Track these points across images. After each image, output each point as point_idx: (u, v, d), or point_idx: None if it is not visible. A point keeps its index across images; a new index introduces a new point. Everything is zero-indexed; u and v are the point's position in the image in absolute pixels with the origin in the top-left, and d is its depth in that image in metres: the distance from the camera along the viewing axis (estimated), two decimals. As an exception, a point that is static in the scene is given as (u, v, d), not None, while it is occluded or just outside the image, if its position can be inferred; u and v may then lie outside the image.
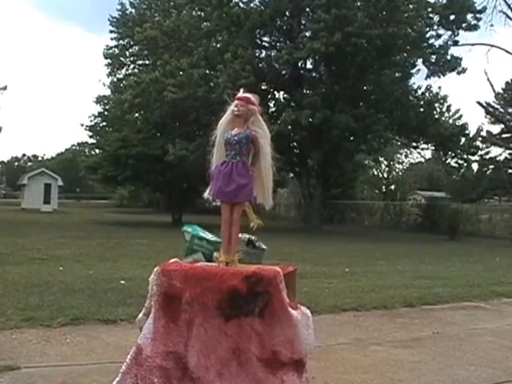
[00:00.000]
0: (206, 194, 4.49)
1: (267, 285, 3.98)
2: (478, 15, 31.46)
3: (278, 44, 33.70)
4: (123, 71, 51.12)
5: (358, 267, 13.82)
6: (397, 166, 58.87)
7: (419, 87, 33.75)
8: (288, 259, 14.46)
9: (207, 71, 30.23)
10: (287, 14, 32.38)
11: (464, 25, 31.42)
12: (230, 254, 4.27)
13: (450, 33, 32.03)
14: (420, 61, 32.09)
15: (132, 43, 46.25)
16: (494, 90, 42.82)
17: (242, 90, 4.51)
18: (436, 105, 33.58)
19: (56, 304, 7.57)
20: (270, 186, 4.47)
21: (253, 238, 4.76)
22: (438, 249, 22.41)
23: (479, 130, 41.84)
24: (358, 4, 30.17)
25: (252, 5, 32.31)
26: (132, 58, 49.20)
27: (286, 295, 4.06)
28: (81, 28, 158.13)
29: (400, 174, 58.40)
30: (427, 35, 31.46)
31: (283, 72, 32.79)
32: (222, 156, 4.41)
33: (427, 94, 33.43)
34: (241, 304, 3.97)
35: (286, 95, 34.40)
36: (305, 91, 32.09)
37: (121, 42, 49.63)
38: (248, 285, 3.96)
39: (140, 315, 4.39)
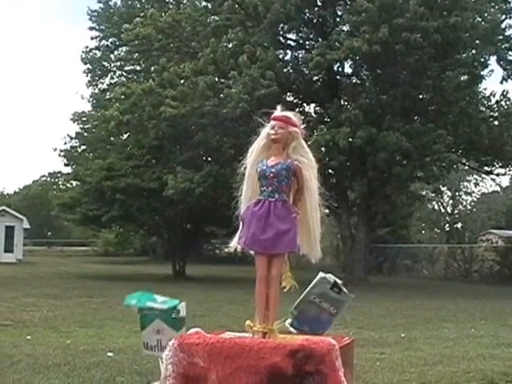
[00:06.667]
0: (233, 243, 4.46)
1: (319, 362, 3.93)
2: None
3: (308, 42, 33.95)
4: (107, 80, 51.82)
5: (418, 332, 13.67)
6: (464, 197, 58.80)
7: (493, 94, 33.61)
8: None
9: (216, 79, 30.44)
10: (318, 2, 32.68)
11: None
12: (267, 321, 4.23)
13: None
14: (493, 59, 32.13)
15: (118, 44, 46.86)
16: None
17: (279, 108, 4.53)
18: (516, 116, 33.42)
19: (22, 386, 7.47)
20: (317, 231, 4.45)
21: (338, 280, 4.73)
22: (523, 306, 22.15)
23: None
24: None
25: (273, -8, 32.64)
26: (118, 63, 49.81)
27: (343, 376, 4.01)
28: (54, 16, 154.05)
29: (469, 207, 58.19)
30: (503, 25, 31.57)
31: (314, 78, 32.95)
32: (255, 193, 4.40)
33: (503, 103, 33.23)
34: (285, 388, 3.91)
35: (318, 108, 34.52)
36: (343, 103, 32.22)
37: (104, 42, 50.33)
38: (294, 363, 3.91)
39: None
